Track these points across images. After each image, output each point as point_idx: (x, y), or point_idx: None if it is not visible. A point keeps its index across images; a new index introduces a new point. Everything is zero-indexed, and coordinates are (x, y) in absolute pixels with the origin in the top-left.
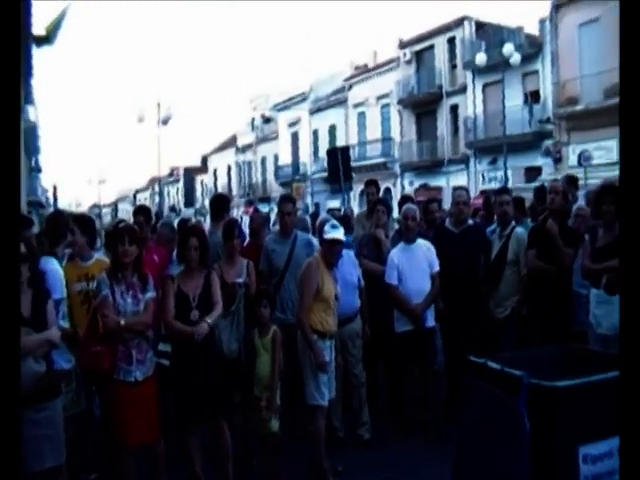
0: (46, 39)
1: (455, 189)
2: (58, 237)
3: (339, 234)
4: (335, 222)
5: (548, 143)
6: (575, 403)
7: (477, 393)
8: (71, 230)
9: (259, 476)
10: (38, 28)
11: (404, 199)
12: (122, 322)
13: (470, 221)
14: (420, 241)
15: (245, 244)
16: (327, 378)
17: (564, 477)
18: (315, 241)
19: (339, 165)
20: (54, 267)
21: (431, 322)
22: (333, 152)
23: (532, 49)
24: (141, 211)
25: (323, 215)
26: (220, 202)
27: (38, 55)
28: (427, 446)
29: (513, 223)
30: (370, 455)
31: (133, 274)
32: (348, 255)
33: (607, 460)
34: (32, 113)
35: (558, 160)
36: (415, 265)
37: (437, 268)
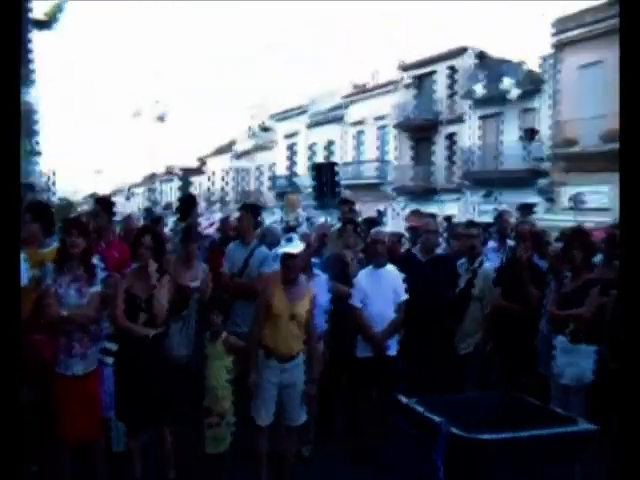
0: (46, 24)
1: (425, 217)
2: None
3: (292, 248)
4: (292, 236)
5: (543, 182)
6: (500, 458)
7: (398, 433)
8: (24, 220)
9: None
10: (38, 13)
11: (369, 222)
12: (64, 313)
13: (439, 250)
14: (389, 267)
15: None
16: (270, 400)
17: None
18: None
19: (324, 181)
20: None
21: (393, 350)
22: (319, 168)
23: (532, 86)
24: (100, 202)
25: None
26: (186, 203)
27: (38, 39)
28: (378, 473)
29: (482, 257)
30: (315, 475)
31: (79, 267)
32: (322, 277)
33: None
34: (31, 95)
35: (552, 200)
36: (381, 290)
37: (405, 297)
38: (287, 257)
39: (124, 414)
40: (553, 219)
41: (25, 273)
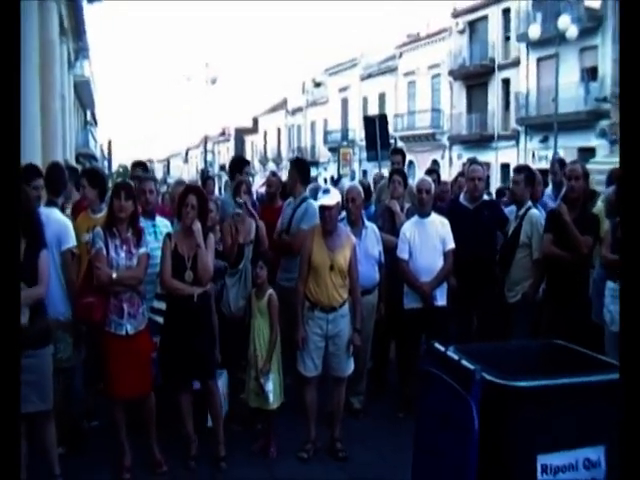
0: None
1: (470, 163)
2: (58, 187)
3: (327, 199)
4: (328, 187)
5: (604, 124)
6: (536, 406)
7: (434, 382)
8: (82, 184)
9: (252, 440)
10: None
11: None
12: (114, 275)
13: (486, 197)
14: (434, 216)
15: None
16: (315, 351)
17: None
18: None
19: (376, 133)
20: (58, 217)
21: (441, 301)
22: (370, 120)
23: (592, 23)
24: (139, 165)
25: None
26: (235, 163)
27: (91, 12)
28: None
29: (529, 204)
30: (366, 428)
31: (128, 229)
32: (372, 228)
33: (570, 472)
34: (86, 68)
35: (614, 142)
36: (427, 241)
37: (451, 245)
38: (323, 209)
39: (170, 371)
40: (617, 162)
41: (69, 236)
